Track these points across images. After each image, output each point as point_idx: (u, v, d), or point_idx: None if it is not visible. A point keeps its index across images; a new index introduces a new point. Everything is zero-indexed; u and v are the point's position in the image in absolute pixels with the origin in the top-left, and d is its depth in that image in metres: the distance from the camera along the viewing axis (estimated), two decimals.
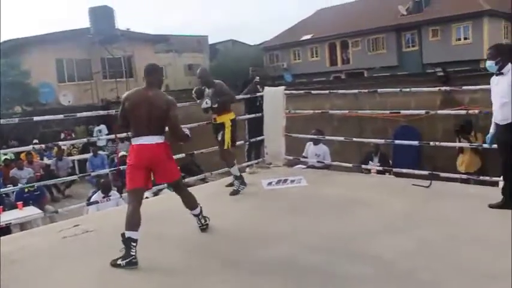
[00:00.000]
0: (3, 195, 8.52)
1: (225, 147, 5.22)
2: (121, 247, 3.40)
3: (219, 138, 5.20)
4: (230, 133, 5.20)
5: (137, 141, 3.62)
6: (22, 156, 12.01)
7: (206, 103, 5.13)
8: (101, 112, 5.07)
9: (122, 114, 3.72)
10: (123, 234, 3.42)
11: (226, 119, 5.21)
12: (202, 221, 4.03)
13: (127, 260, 3.35)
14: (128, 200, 3.64)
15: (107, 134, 15.22)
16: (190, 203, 3.94)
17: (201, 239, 3.90)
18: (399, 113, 6.86)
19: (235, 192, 5.19)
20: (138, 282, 3.17)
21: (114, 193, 7.09)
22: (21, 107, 18.87)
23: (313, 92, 7.39)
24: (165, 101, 3.68)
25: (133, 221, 3.43)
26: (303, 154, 8.02)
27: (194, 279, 3.17)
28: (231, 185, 5.39)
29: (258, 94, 6.36)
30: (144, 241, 3.94)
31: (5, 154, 11.83)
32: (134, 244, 3.39)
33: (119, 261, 3.38)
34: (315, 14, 31.91)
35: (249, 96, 6.38)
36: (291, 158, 6.62)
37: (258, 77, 6.63)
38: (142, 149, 3.59)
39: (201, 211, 4.00)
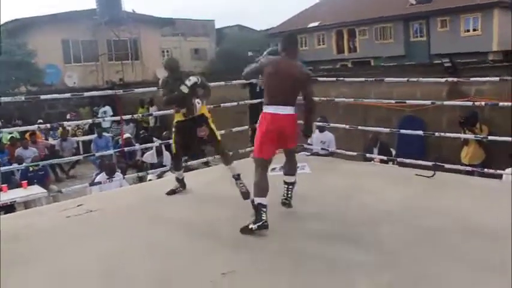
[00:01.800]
0: (9, 173, 8.60)
1: (219, 138, 4.65)
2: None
3: (203, 132, 4.49)
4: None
5: (274, 109, 3.70)
6: (27, 136, 12.06)
7: (189, 80, 4.40)
8: (108, 92, 5.09)
9: (255, 72, 3.88)
10: (252, 201, 3.65)
11: (205, 110, 4.60)
12: (290, 193, 4.10)
13: (259, 224, 3.50)
14: (255, 168, 3.71)
15: (112, 116, 15.25)
16: (292, 169, 4.11)
17: (205, 221, 3.93)
18: (405, 102, 6.82)
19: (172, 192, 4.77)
20: (142, 262, 3.20)
21: (117, 174, 7.13)
22: (26, 87, 18.91)
23: (319, 79, 7.34)
24: (305, 74, 3.82)
25: (262, 187, 3.60)
26: (308, 141, 8.02)
27: (197, 260, 3.20)
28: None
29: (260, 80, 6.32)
30: (148, 223, 3.99)
31: (11, 133, 11.89)
32: (264, 209, 3.54)
33: (251, 226, 3.52)
34: (322, 1, 31.64)
35: (248, 81, 6.34)
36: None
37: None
38: (278, 118, 3.69)
39: (295, 181, 4.09)
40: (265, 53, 5.15)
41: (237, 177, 4.40)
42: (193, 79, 4.40)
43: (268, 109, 3.73)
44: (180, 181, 4.80)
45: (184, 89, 4.37)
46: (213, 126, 4.56)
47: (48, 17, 21.22)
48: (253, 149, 3.83)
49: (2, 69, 17.54)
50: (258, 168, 3.68)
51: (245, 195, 4.26)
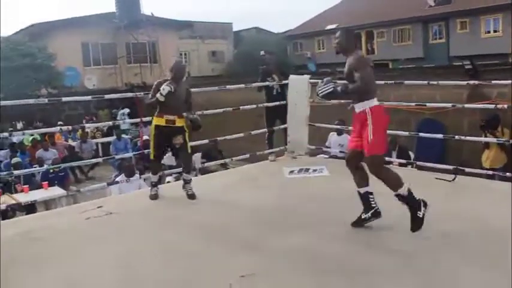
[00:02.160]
0: (30, 175, 8.73)
1: (189, 151, 4.83)
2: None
3: (178, 141, 4.63)
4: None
5: (378, 102, 3.63)
6: (46, 137, 12.24)
7: (163, 89, 4.47)
8: (129, 94, 5.12)
9: (370, 73, 3.63)
10: (358, 192, 3.66)
11: (184, 123, 4.70)
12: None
13: (372, 211, 3.61)
14: (380, 166, 3.55)
15: (130, 118, 15.38)
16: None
17: (223, 224, 3.93)
18: (425, 105, 6.75)
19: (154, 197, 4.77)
20: (160, 264, 3.21)
21: (136, 176, 7.18)
22: (46, 89, 19.20)
23: (338, 81, 7.30)
24: None
25: (397, 177, 3.51)
26: (326, 144, 7.99)
27: (215, 262, 3.20)
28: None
29: (275, 83, 6.30)
30: (165, 225, 4.01)
31: (32, 135, 12.07)
32: (372, 196, 3.62)
33: (363, 215, 3.61)
34: (340, 3, 31.51)
35: (265, 84, 6.33)
36: (313, 147, 6.60)
37: (263, 66, 6.58)
38: (384, 110, 3.64)
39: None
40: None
41: (188, 182, 4.73)
42: (166, 88, 4.45)
43: (375, 102, 3.59)
44: (156, 185, 4.83)
45: (160, 98, 4.49)
46: (187, 138, 4.69)
47: (68, 20, 21.52)
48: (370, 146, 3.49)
49: (23, 72, 17.84)
50: (381, 163, 3.58)
51: (191, 196, 4.63)
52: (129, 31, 22.12)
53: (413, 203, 3.43)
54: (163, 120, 4.60)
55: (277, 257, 3.26)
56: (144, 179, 6.64)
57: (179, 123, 4.62)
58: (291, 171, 5.60)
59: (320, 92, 3.63)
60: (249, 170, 6.07)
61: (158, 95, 4.47)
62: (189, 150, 4.79)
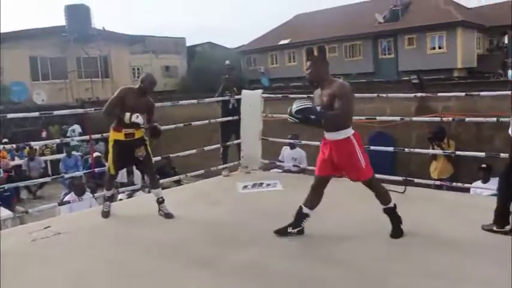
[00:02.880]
0: None
1: (153, 162, 4.79)
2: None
3: (141, 153, 4.52)
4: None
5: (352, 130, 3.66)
6: None
7: (137, 117, 4.35)
8: (79, 110, 4.99)
9: (350, 107, 3.61)
10: (301, 207, 3.78)
11: (111, 135, 4.59)
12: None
13: (298, 229, 3.76)
14: (376, 185, 3.75)
15: (80, 134, 15.00)
16: None
17: (175, 241, 3.87)
18: (375, 119, 6.92)
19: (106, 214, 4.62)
20: (112, 284, 3.12)
21: (87, 194, 6.97)
22: None
23: (290, 95, 7.38)
24: None
25: (385, 194, 3.76)
26: (279, 158, 8.04)
27: (168, 280, 3.15)
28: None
29: (232, 97, 6.32)
30: (117, 243, 3.90)
31: None
32: (307, 219, 3.78)
33: (290, 229, 3.74)
34: (293, 19, 32.07)
35: (222, 98, 6.35)
36: (267, 161, 6.62)
37: (226, 75, 6.62)
38: None
39: None
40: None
41: (161, 201, 4.55)
42: (140, 120, 4.34)
43: (352, 130, 3.66)
44: (110, 199, 4.73)
45: (126, 120, 4.34)
46: (149, 149, 4.59)
47: (14, 33, 20.85)
48: (365, 171, 3.68)
49: None
50: (376, 182, 3.76)
51: (168, 215, 4.45)
52: (79, 45, 21.67)
53: (398, 217, 3.74)
54: (121, 134, 4.44)
55: (230, 273, 3.24)
56: (96, 197, 6.46)
57: (138, 134, 4.49)
58: (245, 186, 5.59)
59: (296, 107, 3.51)
60: (202, 185, 6.02)
61: (127, 118, 4.31)
62: (153, 162, 4.72)
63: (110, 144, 4.54)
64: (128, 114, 4.31)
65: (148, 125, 4.52)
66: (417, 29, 22.86)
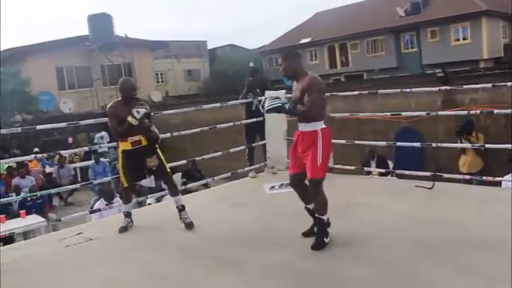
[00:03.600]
0: (7, 204, 8.54)
1: (168, 170, 4.50)
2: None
3: (153, 163, 4.31)
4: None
5: (324, 124, 3.59)
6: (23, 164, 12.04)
7: (138, 112, 4.11)
8: (104, 119, 5.01)
9: (322, 98, 3.58)
10: (307, 208, 3.76)
11: (119, 146, 4.38)
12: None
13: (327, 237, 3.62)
14: (319, 187, 3.57)
15: (108, 142, 15.23)
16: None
17: (204, 244, 3.90)
18: (400, 114, 6.84)
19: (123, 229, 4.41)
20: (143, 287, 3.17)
21: (116, 200, 7.09)
22: (21, 115, 18.92)
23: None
24: None
25: (326, 204, 3.60)
26: None
27: (197, 283, 3.17)
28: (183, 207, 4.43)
29: (254, 99, 6.33)
30: (147, 248, 3.96)
31: (7, 163, 11.86)
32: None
33: (325, 239, 3.59)
34: (313, 17, 31.95)
35: (246, 100, 6.38)
36: None
37: (250, 78, 6.65)
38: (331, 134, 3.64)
39: None
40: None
41: (181, 209, 4.36)
42: (142, 110, 4.12)
43: (323, 124, 3.58)
44: (129, 215, 4.52)
45: (133, 122, 4.12)
46: (162, 156, 4.39)
47: (41, 45, 21.34)
48: (318, 169, 3.51)
49: None
50: (321, 186, 3.59)
51: (189, 225, 4.25)
52: (103, 53, 22.03)
53: (325, 230, 3.58)
54: (128, 143, 4.25)
55: (259, 274, 3.24)
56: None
57: (145, 141, 4.29)
58: (272, 187, 5.59)
59: (267, 106, 3.56)
60: (229, 188, 6.05)
61: (131, 119, 4.09)
62: (168, 170, 4.47)
63: (119, 156, 4.38)
64: (129, 117, 4.10)
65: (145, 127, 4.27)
66: (440, 21, 22.50)
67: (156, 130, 4.36)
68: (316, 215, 3.59)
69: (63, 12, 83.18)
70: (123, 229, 4.39)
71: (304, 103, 3.53)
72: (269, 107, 3.54)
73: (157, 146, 4.37)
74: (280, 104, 3.50)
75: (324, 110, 3.64)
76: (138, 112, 4.10)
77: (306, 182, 3.65)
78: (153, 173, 4.42)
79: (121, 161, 4.34)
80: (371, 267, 3.16)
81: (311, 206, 3.74)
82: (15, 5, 69.41)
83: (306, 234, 3.78)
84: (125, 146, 4.28)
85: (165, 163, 4.40)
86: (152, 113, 4.51)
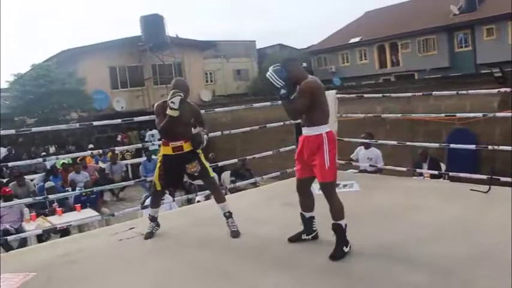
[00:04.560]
0: (63, 198, 8.90)
1: (212, 174, 4.32)
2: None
3: (194, 169, 4.17)
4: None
5: (328, 128, 3.57)
6: (78, 160, 12.50)
7: (173, 103, 3.92)
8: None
9: (308, 103, 3.45)
10: (303, 215, 3.80)
11: (161, 150, 4.28)
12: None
13: (312, 235, 3.80)
14: (332, 191, 3.55)
15: (159, 140, 15.57)
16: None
17: (253, 243, 3.91)
18: (455, 116, 6.62)
19: (150, 235, 4.27)
20: (195, 284, 3.21)
21: (167, 197, 7.23)
22: (77, 113, 19.65)
23: (365, 95, 7.25)
24: None
25: (342, 209, 3.55)
26: (353, 157, 7.91)
27: (250, 281, 3.19)
28: (228, 215, 4.25)
29: None
30: (197, 244, 4.02)
31: (63, 159, 12.34)
32: (314, 220, 3.82)
33: (304, 236, 3.78)
34: (363, 17, 31.52)
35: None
36: (343, 162, 6.55)
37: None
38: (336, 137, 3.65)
39: None
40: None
41: (229, 215, 4.21)
42: (176, 99, 3.92)
43: (328, 128, 3.55)
44: (155, 219, 4.36)
45: (172, 113, 3.95)
46: (205, 162, 4.23)
47: (95, 45, 22.06)
48: (327, 173, 3.47)
49: (54, 97, 18.32)
50: (334, 190, 3.56)
51: (235, 234, 4.10)
52: (154, 53, 22.53)
53: (344, 237, 3.47)
54: (169, 148, 4.13)
55: (310, 274, 3.22)
56: (174, 200, 6.70)
57: (187, 147, 4.13)
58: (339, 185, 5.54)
59: (270, 72, 3.52)
60: (278, 187, 6.05)
61: (169, 111, 3.93)
62: (212, 175, 4.31)
63: (158, 159, 4.28)
64: (168, 110, 3.94)
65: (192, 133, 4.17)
66: (497, 18, 21.64)
67: (202, 134, 4.20)
68: (333, 222, 3.49)
69: (117, 13, 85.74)
70: (149, 235, 4.26)
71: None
72: (270, 76, 3.51)
73: (199, 151, 4.22)
74: (277, 84, 3.48)
75: (326, 114, 3.56)
76: (173, 103, 3.91)
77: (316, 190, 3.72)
78: (196, 178, 4.31)
79: (159, 165, 4.22)
80: (426, 272, 3.08)
81: (308, 214, 3.78)
82: (70, 8, 72.20)
83: (291, 240, 3.80)
84: (166, 150, 4.17)
85: (208, 167, 4.26)
86: (203, 115, 4.42)
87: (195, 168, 4.16)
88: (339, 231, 3.47)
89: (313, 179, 3.66)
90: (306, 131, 3.58)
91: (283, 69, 3.51)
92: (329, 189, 3.52)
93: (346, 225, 3.48)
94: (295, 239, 3.80)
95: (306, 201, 3.77)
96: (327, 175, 3.47)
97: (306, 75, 3.57)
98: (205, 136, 4.18)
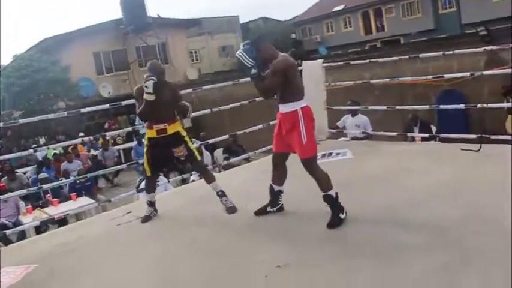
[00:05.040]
0: (58, 188, 8.87)
1: (198, 158, 4.32)
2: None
3: (181, 153, 4.17)
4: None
5: (304, 103, 3.55)
6: (70, 149, 12.43)
7: (146, 87, 3.92)
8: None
9: (281, 82, 3.43)
10: (272, 187, 3.85)
11: (179, 127, 4.20)
12: None
13: (277, 207, 3.88)
14: (314, 165, 3.54)
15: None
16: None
17: (249, 218, 3.92)
18: (443, 77, 6.62)
19: (147, 219, 4.27)
20: (194, 263, 3.24)
21: (161, 178, 7.23)
22: (64, 102, 19.45)
23: (352, 62, 7.22)
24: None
25: (328, 179, 3.53)
26: (339, 125, 7.87)
27: (248, 256, 3.23)
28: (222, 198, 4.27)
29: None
30: (195, 224, 4.04)
31: (54, 149, 12.25)
32: (281, 195, 3.88)
33: (269, 209, 3.88)
34: None
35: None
36: (333, 131, 6.56)
37: (293, 49, 6.62)
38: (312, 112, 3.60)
39: None
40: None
41: (222, 194, 4.24)
42: (149, 83, 3.92)
43: (303, 103, 3.54)
44: (153, 204, 4.37)
45: (148, 97, 3.93)
46: (191, 145, 4.23)
47: (76, 32, 21.68)
48: (305, 148, 3.47)
49: (39, 87, 18.08)
50: (315, 164, 3.55)
51: (231, 210, 4.14)
52: (137, 35, 22.21)
53: (338, 205, 3.50)
54: (153, 131, 4.11)
55: (308, 243, 3.26)
56: (169, 181, 6.70)
57: (172, 129, 4.12)
58: (324, 155, 5.56)
59: (240, 51, 3.51)
60: (270, 160, 6.06)
61: (145, 95, 3.93)
62: (198, 157, 4.33)
63: (145, 143, 4.25)
64: (144, 95, 3.95)
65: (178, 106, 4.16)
66: None
67: (186, 103, 4.21)
68: (323, 194, 3.51)
69: None
70: (147, 218, 4.27)
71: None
72: (241, 55, 3.51)
73: (184, 134, 4.21)
74: (248, 63, 3.47)
75: (300, 90, 3.57)
76: (147, 87, 3.92)
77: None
78: (183, 162, 4.34)
79: (146, 149, 4.20)
80: (421, 233, 3.13)
81: (277, 187, 3.83)
82: None
83: (258, 213, 3.89)
84: (150, 133, 4.15)
85: (194, 150, 4.26)
86: (191, 93, 4.48)
87: (181, 152, 4.17)
88: (331, 201, 3.51)
89: (288, 154, 3.72)
90: (281, 108, 3.58)
91: (253, 48, 3.47)
92: (310, 164, 3.52)
93: (336, 193, 3.51)
94: (261, 212, 3.89)
95: (279, 175, 3.80)
96: (305, 151, 3.48)
97: (277, 53, 3.54)
98: (188, 104, 4.20)
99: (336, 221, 3.44)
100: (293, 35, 8.40)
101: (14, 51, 26.75)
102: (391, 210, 3.62)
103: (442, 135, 6.01)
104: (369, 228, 3.34)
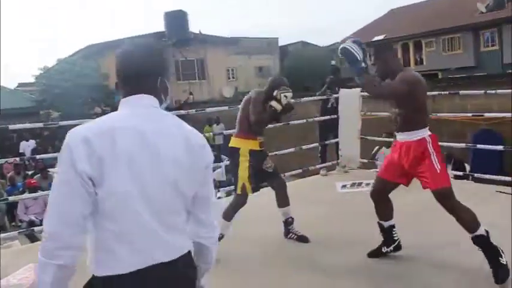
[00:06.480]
0: None
1: (238, 191, 3.70)
2: None
3: (269, 164, 3.86)
4: (248, 168, 3.64)
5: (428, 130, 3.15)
6: None
7: (285, 97, 3.68)
8: (181, 112, 5.19)
9: (404, 92, 3.02)
10: (381, 224, 3.42)
11: (242, 144, 3.71)
12: None
13: (394, 245, 3.40)
14: (452, 199, 3.07)
15: None
16: None
17: (275, 241, 3.91)
18: (482, 115, 6.50)
19: None
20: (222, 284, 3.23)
21: None
22: (100, 107, 19.91)
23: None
24: None
25: (468, 215, 3.05)
26: (372, 154, 7.80)
27: (274, 282, 3.21)
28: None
29: (333, 96, 6.35)
30: (223, 242, 4.03)
31: None
32: (394, 229, 3.43)
33: (384, 249, 3.40)
34: (387, 14, 31.17)
35: (322, 97, 6.40)
36: (365, 161, 6.51)
37: (331, 76, 6.65)
38: None
39: None
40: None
41: (291, 222, 3.89)
42: (289, 95, 3.64)
43: (428, 131, 3.13)
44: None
45: (277, 106, 3.63)
46: (242, 166, 3.72)
47: (119, 41, 22.24)
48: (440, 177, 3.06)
49: (79, 91, 18.58)
50: (453, 198, 3.06)
51: (303, 239, 3.82)
52: (178, 49, 22.68)
53: (492, 247, 2.92)
54: (257, 143, 3.72)
55: (334, 274, 3.22)
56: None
57: (233, 143, 3.81)
58: (344, 186, 5.54)
59: (344, 46, 3.08)
60: (300, 185, 6.06)
61: (274, 103, 3.61)
62: (239, 190, 3.77)
63: (243, 157, 3.66)
64: (273, 102, 3.63)
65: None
66: None
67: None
68: (471, 236, 2.96)
69: (141, 9, 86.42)
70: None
71: (399, 107, 3.11)
72: (350, 47, 3.06)
73: (245, 152, 3.76)
74: (358, 56, 3.01)
75: (426, 115, 3.18)
76: (286, 97, 3.64)
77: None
78: (269, 176, 3.88)
79: (248, 164, 3.65)
80: (454, 274, 3.06)
81: (387, 223, 3.41)
82: (96, 3, 73.06)
83: (371, 255, 3.45)
84: (253, 145, 3.70)
85: (239, 177, 3.74)
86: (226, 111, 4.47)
87: (269, 164, 3.83)
88: (483, 243, 2.94)
89: (396, 186, 3.33)
90: (404, 136, 3.16)
91: (362, 43, 3.08)
92: (447, 196, 3.03)
93: (487, 232, 2.97)
94: (375, 254, 3.44)
95: (385, 208, 3.39)
96: (441, 179, 3.04)
97: (402, 67, 3.21)
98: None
99: (500, 271, 2.83)
100: (333, 62, 8.42)
101: (59, 55, 27.67)
102: (422, 248, 3.56)
103: (476, 175, 5.88)
104: (398, 263, 3.31)
